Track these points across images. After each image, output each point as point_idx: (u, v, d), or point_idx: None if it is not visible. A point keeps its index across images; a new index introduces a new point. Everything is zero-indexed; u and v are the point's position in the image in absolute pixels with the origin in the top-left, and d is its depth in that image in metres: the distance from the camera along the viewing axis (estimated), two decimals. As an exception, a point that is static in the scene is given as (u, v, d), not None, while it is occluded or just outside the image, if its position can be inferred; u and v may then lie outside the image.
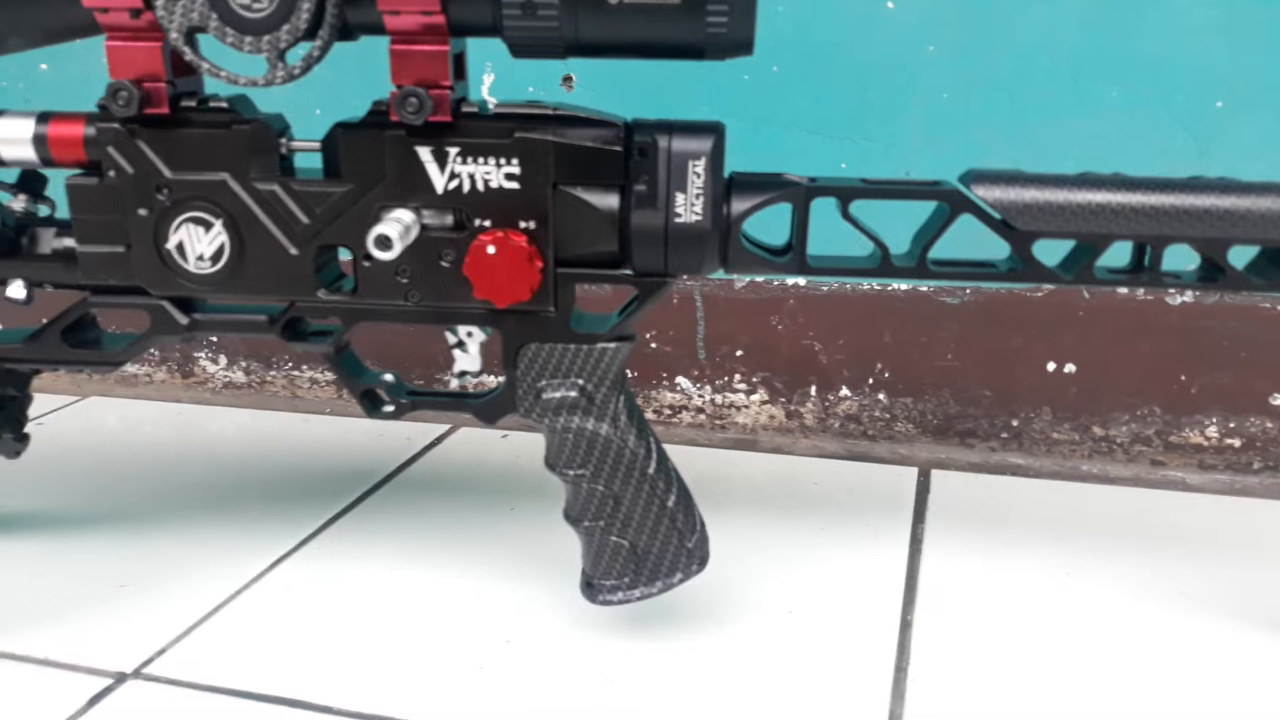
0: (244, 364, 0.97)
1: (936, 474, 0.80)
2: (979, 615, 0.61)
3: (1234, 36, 0.71)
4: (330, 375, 0.96)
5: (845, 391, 0.84)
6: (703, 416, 0.87)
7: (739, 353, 0.85)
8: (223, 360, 0.98)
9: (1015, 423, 0.82)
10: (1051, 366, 0.80)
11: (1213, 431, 0.78)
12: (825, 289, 0.82)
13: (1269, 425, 0.77)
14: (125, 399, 1.00)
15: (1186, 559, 0.66)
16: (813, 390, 0.84)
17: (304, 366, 0.96)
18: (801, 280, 0.81)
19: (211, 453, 0.87)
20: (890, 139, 0.78)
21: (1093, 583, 0.64)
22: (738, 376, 0.86)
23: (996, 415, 0.82)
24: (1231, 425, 0.77)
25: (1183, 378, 0.78)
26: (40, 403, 0.82)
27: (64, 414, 0.96)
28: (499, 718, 0.52)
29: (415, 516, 0.74)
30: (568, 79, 0.82)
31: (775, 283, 0.82)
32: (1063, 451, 0.81)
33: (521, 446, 0.86)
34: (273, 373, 0.97)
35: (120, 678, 0.56)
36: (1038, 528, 0.71)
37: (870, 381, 0.83)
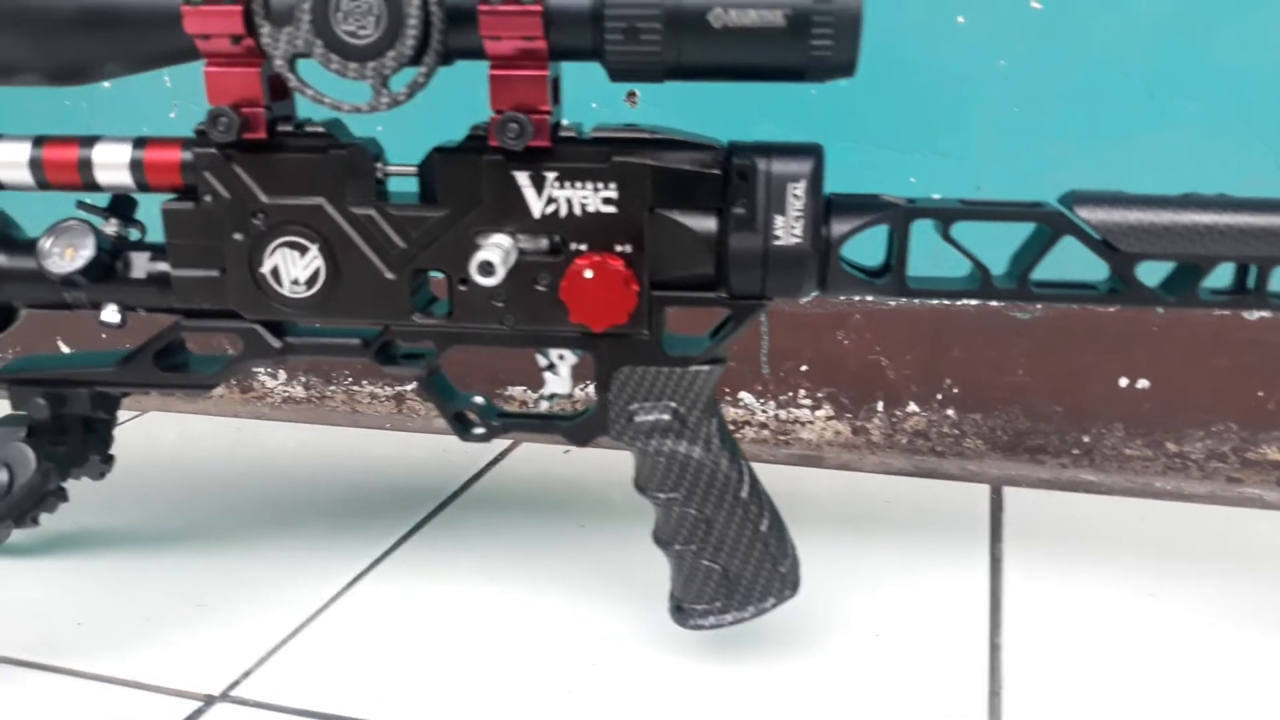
0: (303, 379, 0.98)
1: (1009, 491, 0.79)
2: (1067, 637, 0.60)
3: (1315, 48, 0.70)
4: (389, 390, 0.96)
5: (913, 407, 0.83)
6: (766, 432, 0.87)
7: (804, 368, 0.84)
8: (282, 375, 0.98)
9: (1087, 439, 0.81)
10: (1124, 382, 0.79)
11: (1291, 448, 0.77)
12: (893, 303, 0.81)
13: (1350, 442, 0.76)
14: (184, 414, 1.00)
15: (1268, 579, 0.65)
16: (880, 406, 0.83)
17: (364, 381, 0.96)
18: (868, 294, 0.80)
19: (274, 468, 0.87)
20: (960, 153, 0.77)
21: (1178, 603, 0.63)
22: (802, 392, 0.85)
23: (1068, 431, 0.81)
24: (1311, 441, 0.76)
25: (1260, 393, 0.76)
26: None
27: (124, 430, 0.96)
28: (594, 744, 0.52)
29: (485, 534, 0.74)
30: (632, 95, 0.82)
31: (841, 296, 0.81)
32: (1135, 468, 0.80)
33: (585, 462, 0.86)
34: (332, 388, 0.97)
35: (209, 700, 0.56)
36: (1116, 546, 0.70)
37: (939, 397, 0.82)
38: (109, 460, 0.61)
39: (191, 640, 0.62)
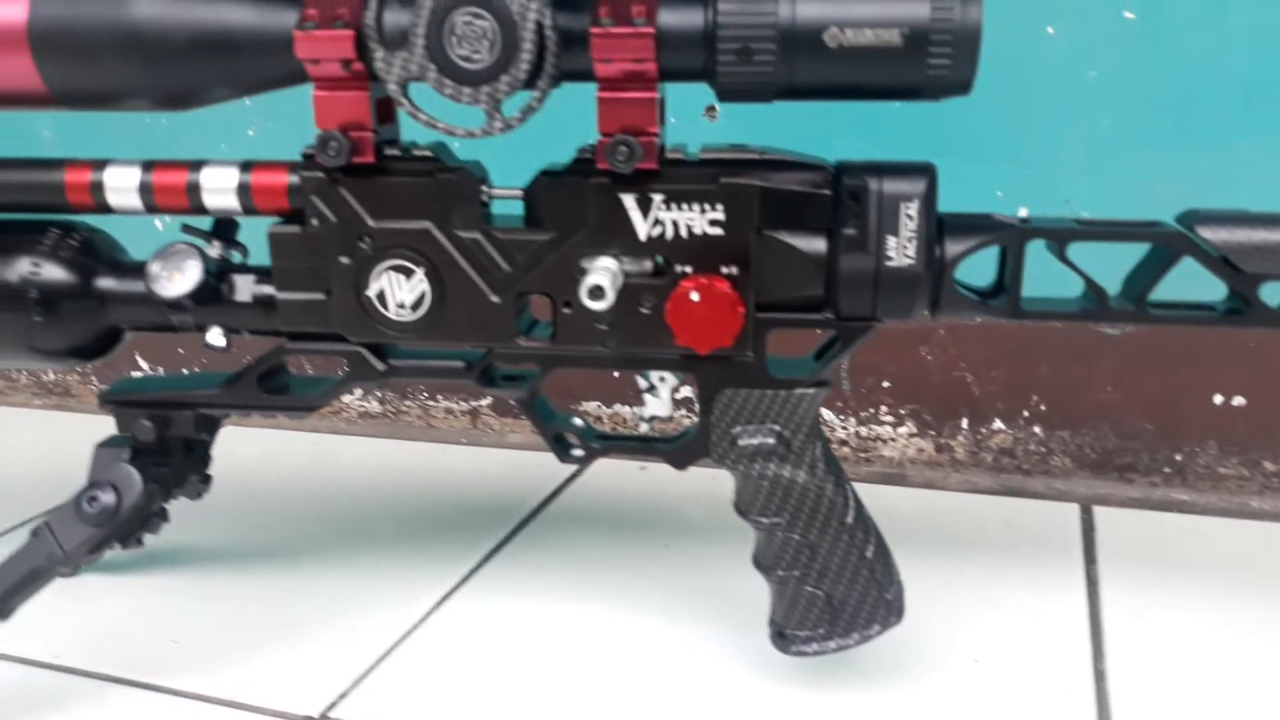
0: (379, 394, 0.98)
1: (1099, 511, 0.77)
2: (1173, 664, 0.58)
3: None
4: (464, 405, 0.96)
5: (999, 424, 0.81)
6: (846, 449, 0.86)
7: (885, 384, 0.83)
8: (357, 390, 0.98)
9: (1179, 457, 0.79)
10: (1219, 399, 0.77)
11: (1397, 468, 0.74)
12: (977, 319, 0.79)
13: None
14: (260, 429, 1.01)
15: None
16: (964, 423, 0.82)
17: (439, 397, 0.96)
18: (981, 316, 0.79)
19: (353, 484, 0.88)
20: (1049, 166, 0.76)
21: (1288, 630, 0.61)
22: (884, 408, 0.84)
23: (1159, 449, 0.79)
24: None
25: (1363, 411, 0.74)
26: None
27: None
28: (699, 771, 0.51)
29: (570, 552, 0.73)
30: (711, 109, 0.81)
31: (952, 319, 0.80)
32: (1230, 487, 0.78)
33: (660, 479, 0.85)
34: (408, 402, 0.98)
35: (305, 722, 0.56)
36: (1216, 568, 0.68)
37: (1025, 414, 0.81)
38: (207, 480, 0.61)
39: (286, 659, 0.62)
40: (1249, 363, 0.75)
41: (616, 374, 0.89)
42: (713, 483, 0.81)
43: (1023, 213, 0.77)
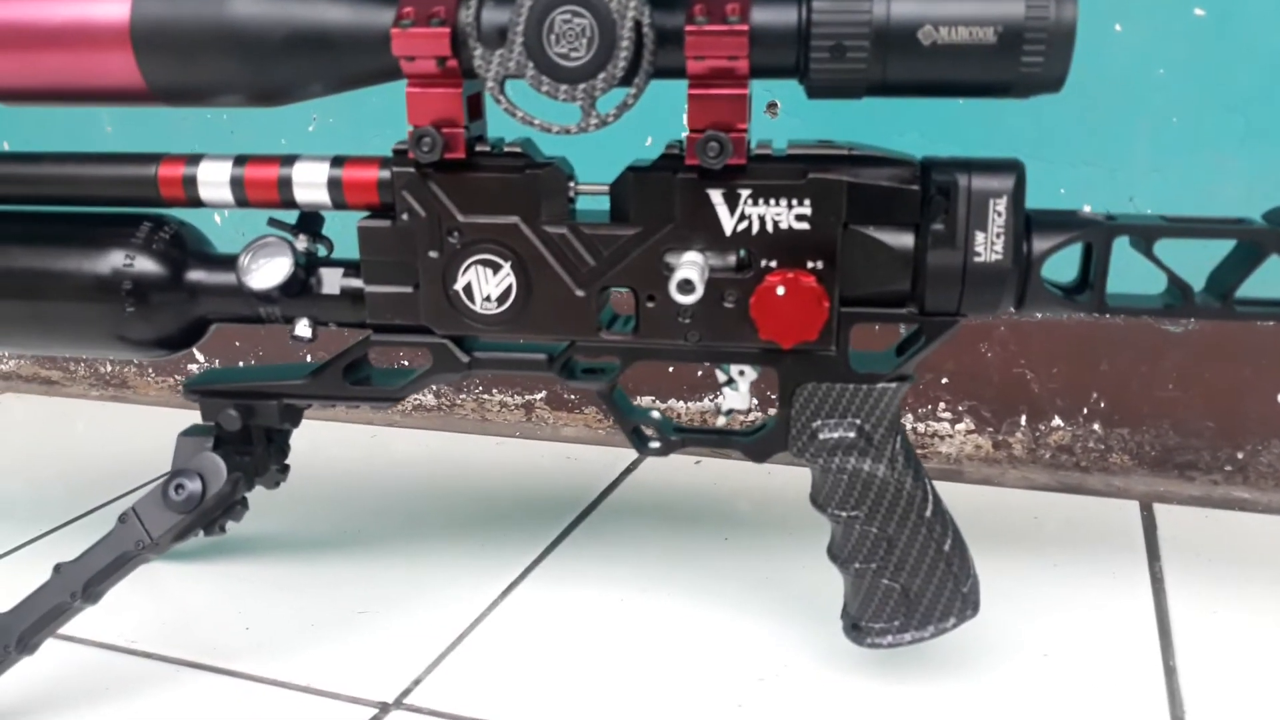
0: (434, 387, 0.99)
1: (1160, 508, 0.77)
2: (1242, 661, 0.58)
3: None
4: (519, 399, 0.97)
5: (1058, 421, 0.81)
6: (903, 445, 0.86)
7: (944, 380, 0.83)
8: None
9: (1241, 455, 0.79)
10: (1283, 397, 0.77)
11: None
12: (1038, 316, 0.80)
13: None
14: (313, 420, 1.02)
15: None
16: (1023, 420, 0.82)
17: (494, 390, 0.97)
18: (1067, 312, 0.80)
19: (410, 475, 0.89)
20: (1114, 164, 0.76)
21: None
22: (942, 405, 0.84)
23: (1220, 448, 0.79)
24: None
25: None
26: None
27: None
28: (779, 761, 0.52)
29: (632, 544, 0.74)
30: (772, 106, 0.81)
31: (1038, 315, 0.80)
32: (1293, 486, 0.78)
33: (711, 472, 0.86)
34: (462, 395, 0.98)
35: (384, 708, 0.57)
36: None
37: (1085, 411, 0.81)
38: (285, 470, 0.62)
39: (357, 646, 0.63)
40: (1313, 360, 0.75)
41: (670, 369, 0.89)
42: (766, 478, 0.82)
43: (1087, 209, 0.78)
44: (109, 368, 1.16)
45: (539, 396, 0.97)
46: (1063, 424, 0.82)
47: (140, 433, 1.02)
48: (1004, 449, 0.83)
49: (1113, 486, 0.81)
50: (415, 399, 1.00)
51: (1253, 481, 0.79)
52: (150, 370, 1.13)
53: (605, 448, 0.91)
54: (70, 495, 0.85)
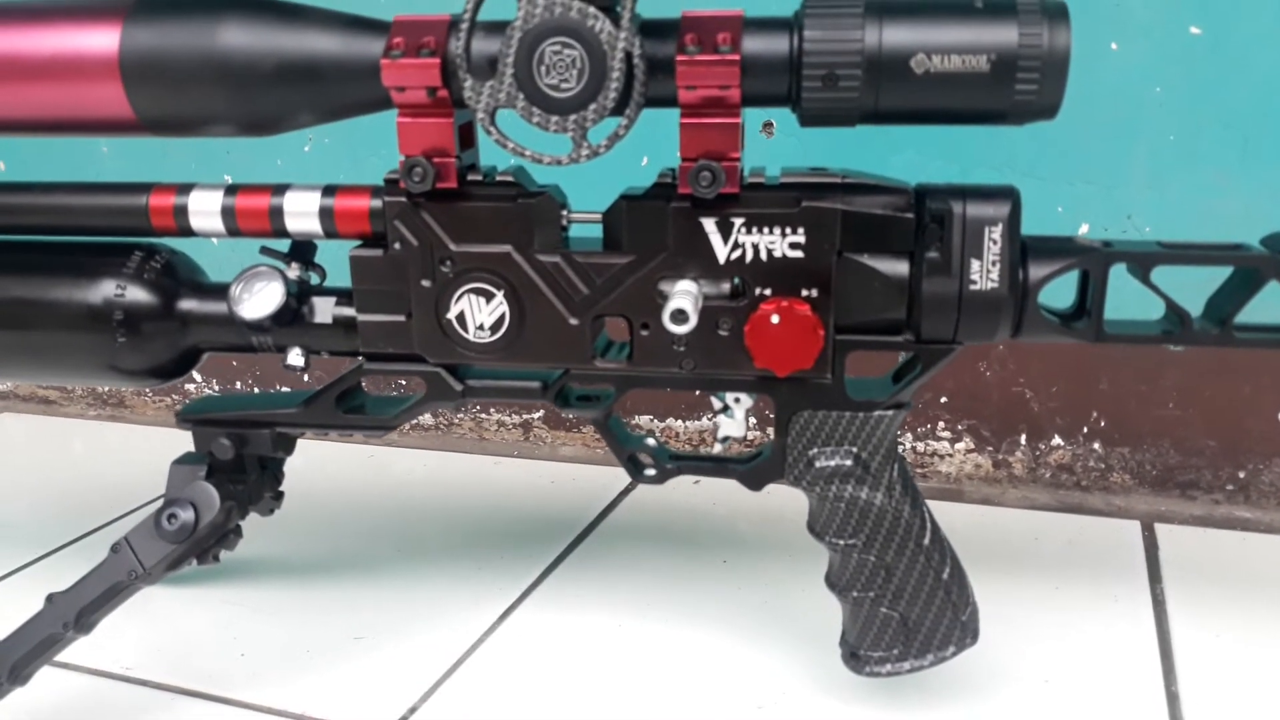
0: (432, 407, 0.98)
1: (1161, 529, 0.77)
2: (1246, 686, 0.58)
3: None
4: (516, 419, 0.97)
5: (1057, 440, 0.81)
6: (902, 464, 0.85)
7: (943, 399, 0.83)
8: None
9: (1242, 474, 0.78)
10: (1284, 415, 0.76)
11: None
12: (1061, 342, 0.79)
13: None
14: (312, 440, 1.02)
15: None
16: (1022, 439, 0.82)
17: (491, 410, 0.97)
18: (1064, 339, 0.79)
19: (408, 496, 0.88)
20: (1110, 182, 0.75)
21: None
22: (942, 424, 0.84)
23: (1221, 467, 0.78)
24: None
25: None
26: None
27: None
28: (776, 793, 0.51)
29: (630, 566, 0.74)
30: (768, 125, 0.81)
31: (1034, 341, 0.79)
32: (1294, 505, 0.77)
33: (713, 494, 0.85)
34: (460, 415, 0.98)
35: (382, 735, 0.57)
36: (1289, 588, 0.67)
37: (1085, 430, 0.80)
38: (279, 497, 0.62)
39: (355, 672, 0.63)
40: (1315, 379, 0.75)
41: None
42: (765, 498, 0.81)
43: (1084, 229, 0.77)
44: (107, 389, 1.16)
45: (536, 416, 0.96)
46: (1063, 443, 0.81)
47: (138, 452, 1.02)
48: (1004, 468, 0.83)
49: (1114, 506, 0.80)
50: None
51: (1254, 501, 0.78)
52: (148, 390, 1.13)
53: (603, 467, 0.91)
54: (67, 517, 0.84)
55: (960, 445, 0.84)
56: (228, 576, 0.73)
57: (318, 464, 0.95)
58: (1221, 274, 0.49)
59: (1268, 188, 0.72)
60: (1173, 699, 0.57)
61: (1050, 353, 0.79)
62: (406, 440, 1.00)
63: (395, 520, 0.83)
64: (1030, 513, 0.80)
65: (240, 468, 0.58)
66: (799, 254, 0.48)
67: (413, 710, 0.59)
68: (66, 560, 0.78)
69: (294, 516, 0.82)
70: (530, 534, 0.79)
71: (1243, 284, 0.47)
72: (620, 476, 0.89)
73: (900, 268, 0.48)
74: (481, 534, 0.80)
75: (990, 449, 0.83)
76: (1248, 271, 0.47)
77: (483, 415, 0.97)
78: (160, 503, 0.56)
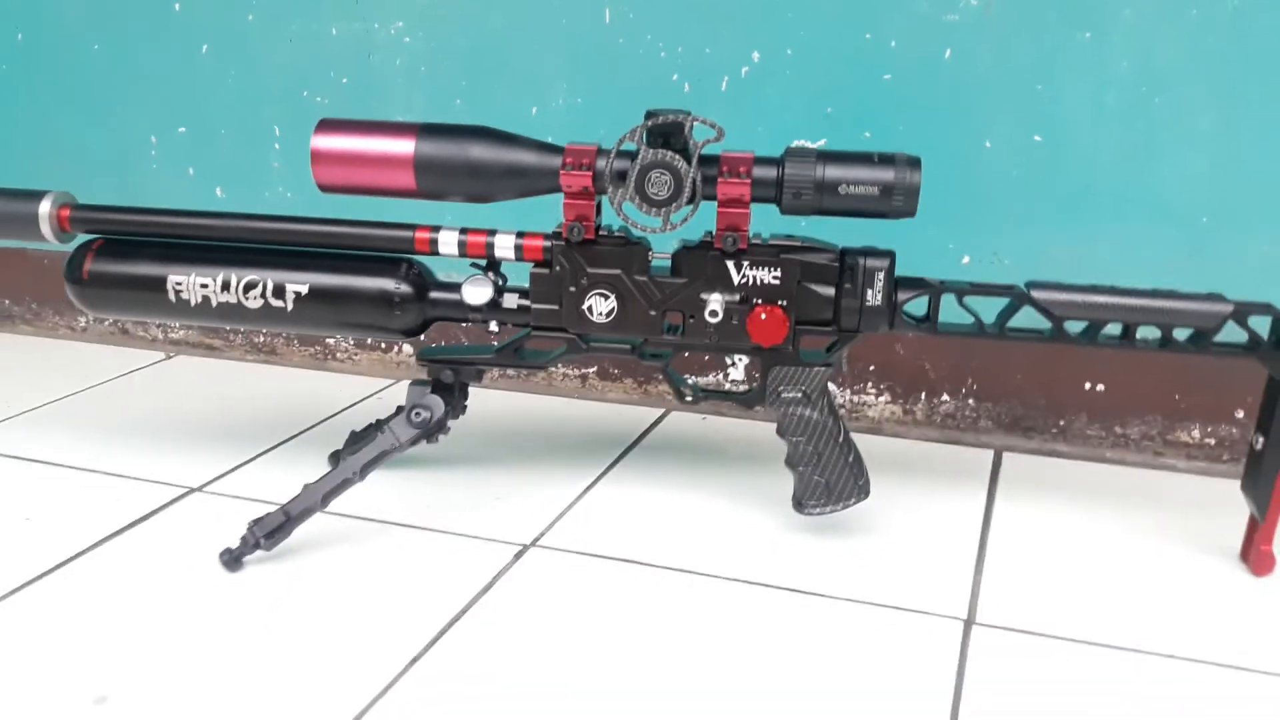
0: (520, 361, 1.40)
1: (1007, 456, 1.19)
2: (1036, 551, 0.98)
3: None
4: (577, 372, 1.38)
5: (945, 397, 1.24)
6: (843, 412, 1.28)
7: (871, 368, 1.25)
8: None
9: (1062, 422, 1.21)
10: (1088, 385, 1.19)
11: (1195, 434, 1.16)
12: (915, 334, 1.21)
13: (1234, 431, 1.15)
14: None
15: (1202, 518, 1.04)
16: (922, 396, 1.24)
17: (559, 364, 1.39)
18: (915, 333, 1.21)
19: (506, 421, 1.30)
20: (984, 231, 1.17)
21: (1113, 527, 1.03)
22: (869, 384, 1.26)
23: (1049, 416, 1.21)
24: (1209, 429, 1.16)
25: (1175, 396, 1.16)
26: (360, 387, 1.29)
27: (393, 393, 1.40)
28: (782, 577, 0.94)
29: (669, 468, 1.15)
30: (763, 180, 1.22)
31: (901, 333, 1.21)
32: (1093, 444, 1.20)
33: (715, 427, 1.27)
34: (542, 373, 1.39)
35: (524, 547, 0.99)
36: (1081, 494, 1.10)
37: (963, 391, 1.23)
38: (464, 409, 1.03)
39: (501, 512, 1.03)
40: (1106, 363, 1.17)
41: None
42: (745, 429, 1.24)
43: (965, 260, 1.19)
44: (261, 338, 1.55)
45: (591, 371, 1.38)
46: (949, 399, 1.24)
47: (287, 391, 1.39)
48: (910, 415, 1.25)
49: (980, 441, 1.23)
50: (500, 371, 1.41)
51: (1069, 439, 1.21)
52: (295, 341, 1.53)
53: (639, 407, 1.33)
54: (235, 441, 1.23)
55: (881, 399, 1.26)
56: (425, 461, 1.14)
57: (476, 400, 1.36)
58: (1002, 301, 0.92)
59: (1083, 241, 1.14)
60: (982, 546, 0.99)
61: (942, 341, 1.21)
62: (499, 385, 1.42)
63: (513, 432, 1.25)
64: (924, 444, 1.23)
65: (450, 389, 0.99)
66: (777, 281, 0.90)
67: (546, 531, 1.00)
68: (259, 467, 1.18)
69: (464, 425, 1.24)
70: (596, 445, 1.21)
71: (1011, 307, 0.90)
72: (651, 413, 1.31)
73: (830, 291, 0.90)
74: (561, 443, 1.22)
75: (901, 401, 1.25)
76: (1013, 300, 0.89)
77: (552, 369, 1.39)
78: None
